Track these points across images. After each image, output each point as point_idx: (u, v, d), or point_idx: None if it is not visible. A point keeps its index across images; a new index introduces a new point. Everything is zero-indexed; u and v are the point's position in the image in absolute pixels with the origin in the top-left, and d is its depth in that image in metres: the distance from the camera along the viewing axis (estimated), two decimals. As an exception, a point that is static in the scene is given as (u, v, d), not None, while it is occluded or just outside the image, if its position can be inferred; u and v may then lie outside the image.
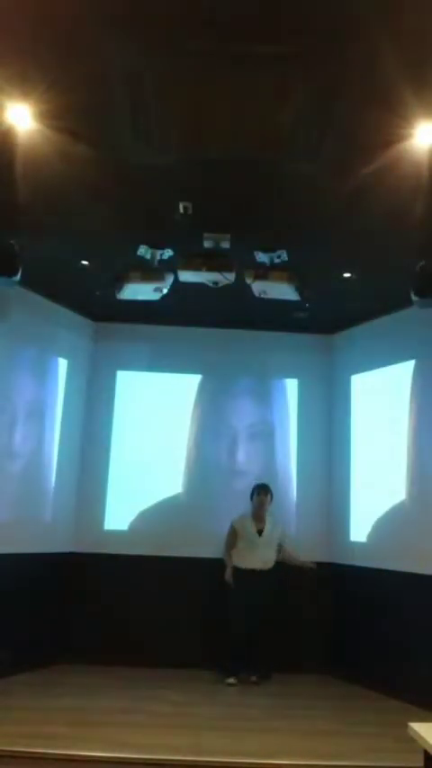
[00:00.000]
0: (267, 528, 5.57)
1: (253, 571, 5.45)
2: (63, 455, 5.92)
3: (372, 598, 5.44)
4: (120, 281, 4.34)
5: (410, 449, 5.35)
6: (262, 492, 5.66)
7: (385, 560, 5.33)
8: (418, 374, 5.39)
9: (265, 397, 6.37)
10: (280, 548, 5.59)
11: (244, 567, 5.48)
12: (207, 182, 3.65)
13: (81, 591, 5.80)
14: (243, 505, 6.03)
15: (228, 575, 5.52)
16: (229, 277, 4.09)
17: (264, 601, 5.38)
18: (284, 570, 5.79)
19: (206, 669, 5.49)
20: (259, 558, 5.49)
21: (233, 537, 5.59)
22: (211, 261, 4.07)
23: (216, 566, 5.75)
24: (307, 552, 5.93)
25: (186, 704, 4.72)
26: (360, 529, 5.73)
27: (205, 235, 4.07)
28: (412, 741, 2.13)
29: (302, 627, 5.78)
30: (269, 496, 5.67)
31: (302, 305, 4.51)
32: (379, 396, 5.76)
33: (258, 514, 5.61)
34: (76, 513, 5.99)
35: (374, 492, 5.61)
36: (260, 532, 5.55)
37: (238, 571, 5.49)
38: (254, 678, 5.33)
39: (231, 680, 5.29)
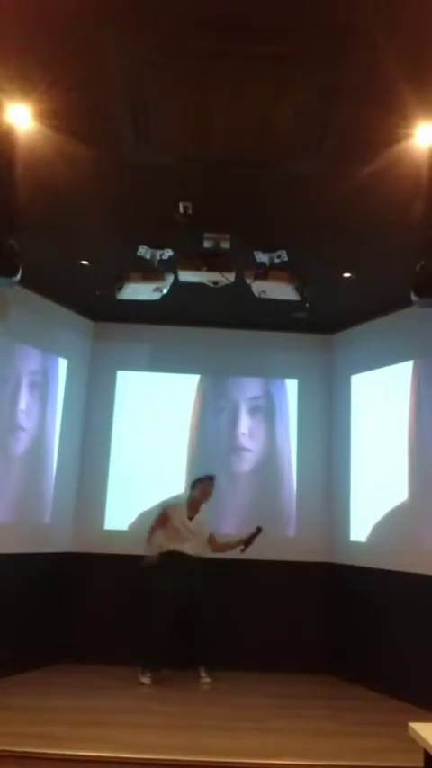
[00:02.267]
0: (198, 517, 5.50)
1: (182, 554, 5.35)
2: (63, 455, 5.92)
3: (372, 598, 5.44)
4: (120, 281, 4.34)
5: (410, 448, 5.35)
6: (210, 483, 5.58)
7: (385, 560, 5.33)
8: (418, 374, 5.39)
9: (265, 397, 6.37)
10: (210, 541, 5.48)
11: (172, 547, 5.36)
12: (207, 182, 3.66)
13: (81, 591, 5.79)
14: (243, 505, 6.06)
15: (148, 558, 5.33)
16: (229, 277, 4.09)
17: (195, 587, 5.26)
18: (285, 569, 5.82)
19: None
20: (186, 541, 5.40)
21: (163, 520, 5.45)
22: (211, 261, 4.07)
23: (216, 565, 5.75)
24: (307, 552, 5.95)
25: (186, 704, 4.72)
26: (360, 529, 5.74)
27: (205, 235, 4.06)
28: (412, 741, 2.13)
29: (302, 627, 5.78)
30: (212, 490, 5.59)
31: (302, 305, 4.51)
32: (379, 395, 5.76)
33: (198, 503, 5.53)
34: (76, 512, 6.00)
35: (374, 492, 5.61)
36: (190, 518, 5.48)
37: (166, 554, 5.36)
38: (204, 675, 5.28)
39: (146, 679, 5.15)
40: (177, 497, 5.65)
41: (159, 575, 5.30)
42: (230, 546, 5.44)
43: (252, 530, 5.39)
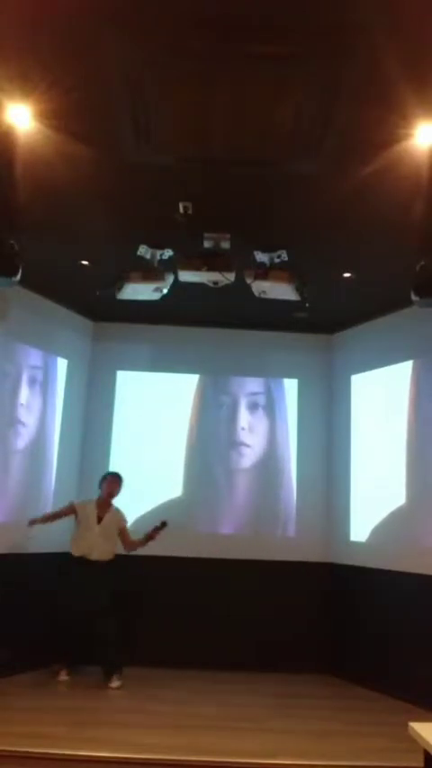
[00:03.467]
0: (107, 517, 5.35)
1: (86, 560, 5.19)
2: (63, 455, 5.92)
3: (372, 598, 5.44)
4: (120, 281, 4.34)
5: (410, 448, 5.35)
6: (116, 480, 5.47)
7: (385, 560, 5.34)
8: (418, 373, 5.39)
9: (265, 396, 6.37)
10: (122, 537, 5.36)
11: (77, 554, 5.22)
12: (207, 182, 3.65)
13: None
14: (244, 505, 6.06)
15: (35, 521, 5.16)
16: (229, 277, 4.09)
17: (99, 593, 5.11)
18: (285, 569, 5.83)
19: (206, 669, 5.50)
20: (94, 546, 5.23)
21: (67, 510, 5.33)
22: (211, 261, 4.07)
23: (217, 565, 5.77)
24: (307, 552, 5.95)
25: (186, 704, 4.72)
26: (360, 529, 5.74)
27: (205, 235, 4.06)
28: (412, 741, 2.13)
29: (303, 627, 5.78)
30: (120, 486, 5.47)
31: (302, 305, 4.51)
32: (379, 395, 5.76)
33: (105, 501, 5.39)
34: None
35: (374, 492, 5.61)
36: (99, 520, 5.31)
37: (71, 559, 5.24)
38: (114, 679, 5.05)
39: (63, 676, 5.12)
40: (91, 498, 5.49)
41: (62, 577, 5.21)
42: (141, 543, 5.32)
43: (159, 524, 5.26)
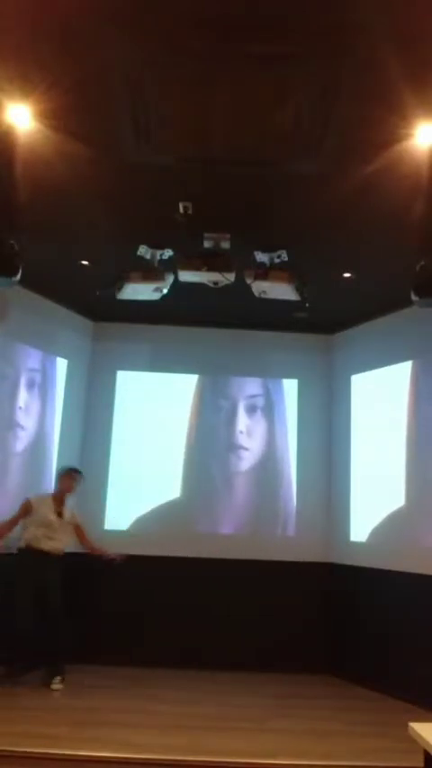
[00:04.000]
0: (66, 511, 5.15)
1: (41, 551, 4.95)
2: (63, 455, 5.91)
3: (372, 598, 5.44)
4: (120, 281, 4.34)
5: (410, 448, 5.35)
6: (76, 475, 5.28)
7: (385, 560, 5.34)
8: (418, 374, 5.39)
9: (265, 397, 6.37)
10: (79, 534, 5.18)
11: (34, 544, 4.94)
12: (207, 182, 3.66)
13: (80, 591, 5.79)
14: (243, 505, 6.06)
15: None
16: (229, 277, 4.09)
17: (53, 587, 4.95)
18: (285, 569, 5.83)
19: (206, 669, 5.50)
20: (52, 541, 5.01)
21: (25, 508, 5.03)
22: (211, 261, 4.07)
23: (217, 565, 5.77)
24: (307, 552, 5.95)
25: (186, 704, 4.71)
26: (360, 529, 5.74)
27: (205, 235, 4.07)
28: (412, 741, 2.13)
29: (302, 627, 5.78)
30: (76, 483, 5.28)
31: (302, 305, 4.52)
32: (379, 395, 5.76)
33: (62, 497, 5.18)
34: (76, 512, 5.97)
35: (374, 492, 5.61)
36: (59, 514, 5.10)
37: (25, 552, 4.96)
38: (57, 681, 4.86)
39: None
40: (45, 491, 5.32)
41: (17, 572, 4.96)
42: (96, 550, 5.18)
43: (117, 555, 5.17)
